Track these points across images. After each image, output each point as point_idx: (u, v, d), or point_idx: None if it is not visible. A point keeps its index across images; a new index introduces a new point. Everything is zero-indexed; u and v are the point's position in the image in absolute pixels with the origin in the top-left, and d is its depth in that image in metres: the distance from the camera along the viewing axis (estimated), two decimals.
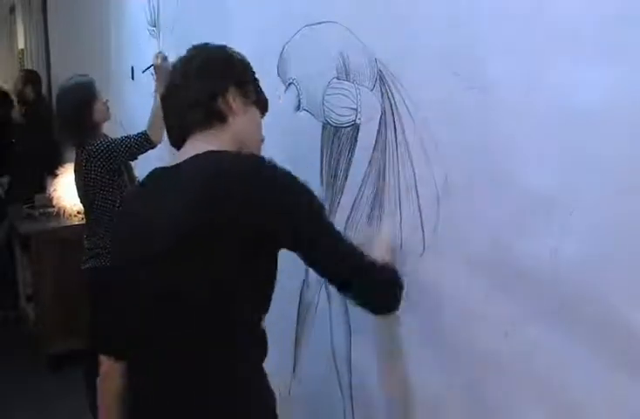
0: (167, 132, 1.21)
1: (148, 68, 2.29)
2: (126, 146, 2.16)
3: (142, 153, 2.22)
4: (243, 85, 1.19)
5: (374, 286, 1.13)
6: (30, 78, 4.29)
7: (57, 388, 2.89)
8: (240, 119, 1.17)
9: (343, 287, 1.13)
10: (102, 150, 2.13)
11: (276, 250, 1.09)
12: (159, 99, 2.20)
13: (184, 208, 1.03)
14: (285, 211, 1.04)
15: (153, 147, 2.22)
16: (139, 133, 2.20)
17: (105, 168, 2.15)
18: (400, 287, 1.17)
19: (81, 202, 2.33)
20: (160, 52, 2.24)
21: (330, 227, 1.10)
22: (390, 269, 1.17)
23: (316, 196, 1.10)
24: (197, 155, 1.09)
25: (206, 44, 1.24)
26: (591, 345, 0.88)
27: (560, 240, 0.90)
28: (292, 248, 1.08)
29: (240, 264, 1.03)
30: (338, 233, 1.11)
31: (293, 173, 1.07)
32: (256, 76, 1.25)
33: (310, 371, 1.62)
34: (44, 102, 4.44)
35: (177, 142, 1.18)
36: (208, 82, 1.16)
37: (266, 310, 1.16)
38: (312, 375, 1.61)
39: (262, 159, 1.08)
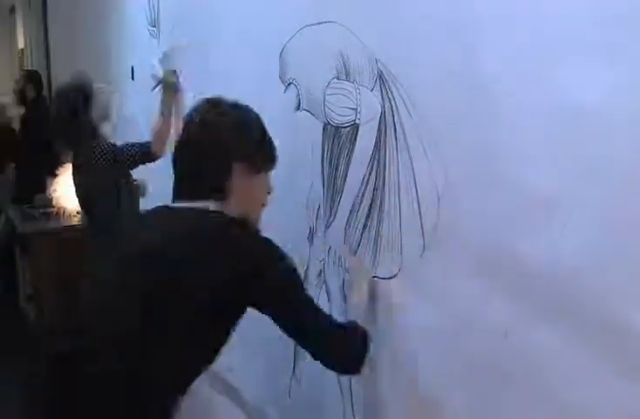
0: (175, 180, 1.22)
1: (158, 85, 2.28)
2: (127, 156, 2.16)
3: (142, 163, 2.22)
4: (254, 157, 1.21)
5: (340, 358, 1.21)
6: (31, 77, 4.29)
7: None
8: (242, 196, 1.20)
9: (316, 357, 1.20)
10: (108, 152, 2.11)
11: (237, 317, 1.15)
12: (165, 115, 2.23)
13: (163, 260, 1.10)
14: (258, 279, 1.10)
15: (154, 161, 2.21)
16: (144, 144, 2.19)
17: (108, 170, 2.13)
18: (363, 355, 1.22)
19: (82, 200, 2.30)
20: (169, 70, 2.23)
21: (303, 301, 1.17)
22: (359, 336, 1.22)
23: (293, 269, 1.17)
24: (194, 210, 1.17)
25: (220, 101, 1.23)
26: (591, 345, 0.88)
27: (560, 240, 0.90)
28: (261, 311, 1.16)
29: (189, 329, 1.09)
30: (310, 306, 1.17)
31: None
32: (267, 134, 1.26)
33: (310, 372, 1.62)
34: (45, 102, 4.44)
35: (178, 197, 1.22)
36: (216, 158, 1.17)
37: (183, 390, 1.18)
38: (312, 376, 1.61)
39: (254, 235, 1.16)
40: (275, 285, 1.13)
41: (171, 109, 2.24)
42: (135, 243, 1.18)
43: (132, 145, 2.18)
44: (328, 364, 1.20)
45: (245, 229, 1.16)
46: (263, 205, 1.29)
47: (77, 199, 2.34)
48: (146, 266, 1.12)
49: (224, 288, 1.08)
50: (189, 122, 1.22)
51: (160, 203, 1.25)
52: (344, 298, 1.44)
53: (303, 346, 1.21)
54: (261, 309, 1.15)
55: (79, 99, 2.17)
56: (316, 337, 1.17)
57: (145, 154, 2.17)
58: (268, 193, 1.29)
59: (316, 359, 1.19)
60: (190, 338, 1.10)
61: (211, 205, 1.17)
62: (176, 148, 1.23)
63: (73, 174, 2.26)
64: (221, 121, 1.19)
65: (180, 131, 1.24)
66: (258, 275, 1.10)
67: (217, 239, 1.12)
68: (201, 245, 1.10)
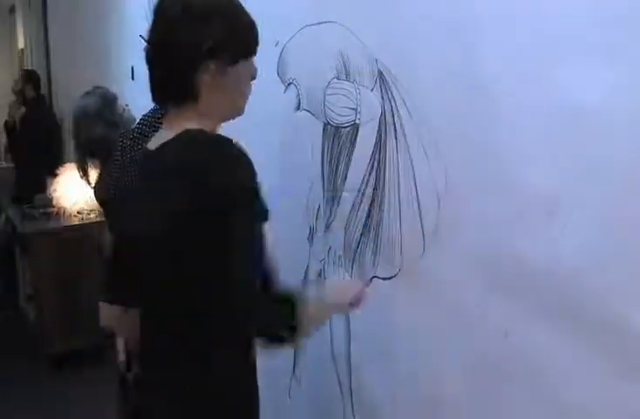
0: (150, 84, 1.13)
1: None
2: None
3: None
4: (224, 49, 1.08)
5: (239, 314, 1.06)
6: (30, 77, 4.29)
7: (57, 388, 2.89)
8: (217, 94, 1.10)
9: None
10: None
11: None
12: None
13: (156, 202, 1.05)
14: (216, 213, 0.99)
15: None
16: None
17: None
18: (260, 322, 1.09)
19: None
20: None
21: (244, 246, 1.02)
22: (276, 307, 1.08)
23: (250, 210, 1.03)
24: (174, 139, 1.06)
25: None
26: (591, 345, 0.88)
27: (560, 240, 0.90)
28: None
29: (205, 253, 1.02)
30: (247, 255, 1.03)
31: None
32: (241, 17, 1.15)
33: (310, 372, 1.62)
34: (44, 101, 4.44)
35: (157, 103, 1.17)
36: (176, 61, 1.06)
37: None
38: (312, 376, 1.61)
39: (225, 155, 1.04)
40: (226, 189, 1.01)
41: None
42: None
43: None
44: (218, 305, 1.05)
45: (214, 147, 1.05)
46: (246, 96, 1.17)
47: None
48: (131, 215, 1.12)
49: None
50: (154, 19, 1.11)
51: None
52: None
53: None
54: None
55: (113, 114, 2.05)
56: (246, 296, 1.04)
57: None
58: (252, 78, 1.17)
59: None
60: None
61: (189, 118, 1.09)
62: (146, 50, 1.12)
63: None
64: (180, 15, 1.07)
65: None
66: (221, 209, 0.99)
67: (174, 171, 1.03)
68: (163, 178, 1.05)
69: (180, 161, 1.05)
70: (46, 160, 3.77)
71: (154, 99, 1.14)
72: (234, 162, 1.03)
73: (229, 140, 1.06)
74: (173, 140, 1.07)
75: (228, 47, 1.09)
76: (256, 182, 1.04)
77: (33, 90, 4.18)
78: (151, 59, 1.11)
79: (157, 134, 1.15)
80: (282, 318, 1.07)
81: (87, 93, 2.10)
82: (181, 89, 1.09)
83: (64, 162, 3.22)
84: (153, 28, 1.11)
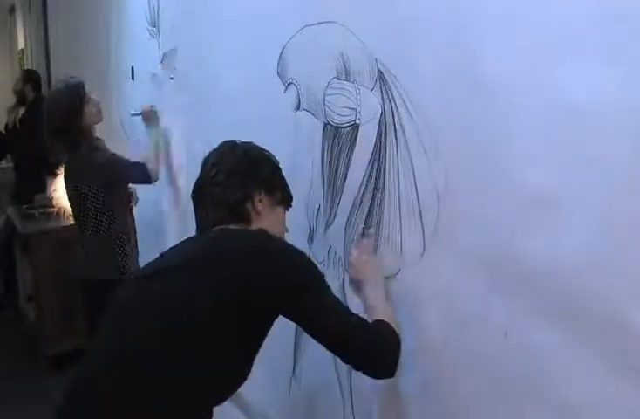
0: (196, 217, 1.28)
1: (138, 114, 2.40)
2: (128, 174, 2.17)
3: (138, 183, 2.25)
4: (272, 189, 1.27)
5: (370, 360, 1.12)
6: (30, 77, 4.28)
7: (57, 388, 2.89)
8: (264, 221, 1.25)
9: (345, 360, 1.14)
10: (104, 168, 2.11)
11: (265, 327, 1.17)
12: (153, 145, 2.29)
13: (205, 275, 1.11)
14: (289, 291, 1.10)
15: (149, 183, 2.23)
16: (142, 165, 2.19)
17: (100, 183, 2.12)
18: (396, 352, 1.14)
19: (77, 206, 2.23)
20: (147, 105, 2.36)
21: (330, 308, 1.13)
22: (388, 333, 1.14)
23: (318, 275, 1.15)
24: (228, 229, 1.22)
25: (235, 142, 1.31)
26: (591, 345, 0.88)
27: (560, 240, 0.90)
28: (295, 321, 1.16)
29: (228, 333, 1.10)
30: (338, 310, 1.13)
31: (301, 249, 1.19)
32: (283, 175, 1.32)
33: (310, 372, 1.62)
34: (44, 101, 4.43)
35: (202, 231, 1.27)
36: (239, 184, 1.23)
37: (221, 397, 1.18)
38: (312, 376, 1.61)
39: (285, 246, 1.18)
40: (289, 281, 1.12)
41: (158, 138, 2.34)
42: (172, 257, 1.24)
43: (132, 164, 2.19)
44: (359, 367, 1.13)
45: (272, 236, 1.20)
46: (284, 233, 1.32)
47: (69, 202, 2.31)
48: (186, 277, 1.13)
49: (253, 295, 1.09)
50: (207, 164, 1.28)
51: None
52: (344, 297, 1.44)
53: (333, 350, 1.14)
54: (286, 315, 1.14)
55: (70, 104, 2.11)
56: (343, 338, 1.11)
57: (142, 175, 2.19)
58: (286, 230, 1.32)
59: (345, 362, 1.14)
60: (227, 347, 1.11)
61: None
62: (197, 189, 1.28)
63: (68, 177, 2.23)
64: (239, 150, 1.27)
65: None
66: (294, 287, 1.11)
67: (247, 248, 1.15)
68: (237, 255, 1.14)
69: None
70: (46, 160, 3.77)
71: (200, 223, 1.28)
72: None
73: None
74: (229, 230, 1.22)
75: (275, 186, 1.28)
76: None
77: (33, 90, 4.18)
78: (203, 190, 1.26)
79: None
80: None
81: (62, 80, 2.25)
82: (236, 213, 1.23)
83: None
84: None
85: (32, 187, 3.59)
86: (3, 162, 4.63)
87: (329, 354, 1.49)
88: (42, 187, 3.46)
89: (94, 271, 2.16)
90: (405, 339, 1.24)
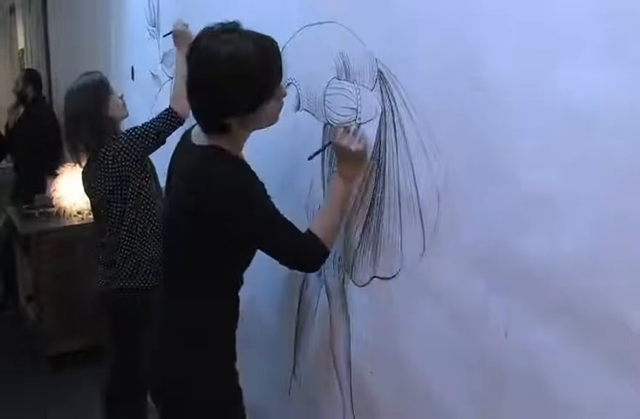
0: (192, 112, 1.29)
1: (169, 34, 2.11)
2: (152, 127, 1.96)
3: (170, 132, 2.01)
4: (266, 95, 1.23)
5: (304, 262, 1.38)
6: (31, 76, 4.28)
7: (57, 388, 2.89)
8: (244, 129, 1.30)
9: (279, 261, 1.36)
10: (127, 140, 1.93)
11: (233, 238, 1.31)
12: (181, 68, 2.02)
13: (182, 189, 1.35)
14: (228, 218, 1.26)
15: (180, 123, 2.01)
16: (162, 112, 2.01)
17: (136, 161, 1.94)
18: (322, 258, 1.35)
19: (104, 207, 2.03)
20: (180, 20, 2.07)
21: (271, 226, 1.30)
22: (321, 245, 1.32)
23: (258, 203, 1.27)
24: (198, 149, 1.31)
25: (236, 28, 1.27)
26: (591, 344, 0.88)
27: (560, 240, 0.90)
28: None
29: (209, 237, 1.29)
30: (277, 226, 1.30)
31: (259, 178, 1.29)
32: (280, 66, 1.26)
33: (310, 371, 1.62)
34: (44, 101, 4.43)
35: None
36: (230, 96, 1.20)
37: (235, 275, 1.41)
38: (312, 376, 1.61)
39: (232, 173, 1.26)
40: (247, 221, 1.27)
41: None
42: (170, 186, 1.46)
43: (150, 121, 2.00)
44: (293, 267, 1.41)
45: (221, 165, 1.27)
46: (276, 115, 1.32)
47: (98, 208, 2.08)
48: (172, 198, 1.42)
49: (204, 217, 1.26)
50: (196, 51, 1.23)
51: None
52: (345, 297, 1.44)
53: (275, 258, 1.34)
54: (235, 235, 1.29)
55: (95, 96, 1.97)
56: (288, 249, 1.33)
57: (166, 119, 2.00)
58: (283, 96, 1.30)
59: (283, 263, 1.36)
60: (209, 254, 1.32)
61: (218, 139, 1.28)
62: (191, 70, 1.24)
63: (90, 179, 2.03)
64: (239, 47, 1.20)
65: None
66: (227, 217, 1.25)
67: (199, 176, 1.28)
68: (191, 181, 1.30)
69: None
70: (46, 160, 3.77)
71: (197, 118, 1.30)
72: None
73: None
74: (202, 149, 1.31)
75: (242, 104, 1.22)
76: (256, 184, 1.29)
77: (34, 90, 4.17)
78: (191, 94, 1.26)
79: (197, 132, 1.34)
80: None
81: (82, 75, 2.07)
82: (213, 128, 1.27)
83: (64, 162, 3.22)
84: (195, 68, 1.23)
85: (32, 187, 3.59)
86: (3, 162, 4.63)
87: (328, 353, 1.50)
88: (42, 187, 3.46)
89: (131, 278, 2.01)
90: (405, 338, 1.25)
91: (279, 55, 1.25)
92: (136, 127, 1.98)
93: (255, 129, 1.32)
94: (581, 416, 0.90)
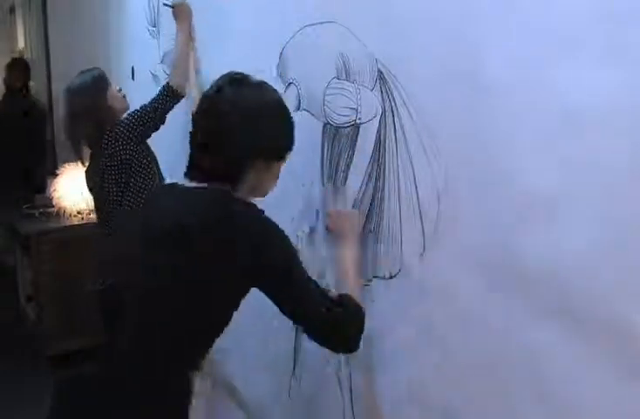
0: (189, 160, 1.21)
1: (168, 5, 2.13)
2: (149, 106, 1.95)
3: (169, 109, 2.00)
4: (274, 151, 1.20)
5: (338, 340, 1.18)
6: (15, 65, 4.22)
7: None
8: (253, 185, 1.20)
9: (310, 335, 1.18)
10: (127, 122, 1.92)
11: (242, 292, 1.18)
12: (180, 41, 2.07)
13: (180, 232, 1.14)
14: (259, 265, 1.12)
15: (178, 100, 2.01)
16: (159, 89, 2.01)
17: (137, 144, 1.92)
18: (360, 328, 1.18)
19: (103, 199, 2.01)
20: None
21: (299, 283, 1.15)
22: (354, 315, 1.17)
23: (290, 251, 1.16)
24: (203, 189, 1.18)
25: (241, 84, 1.18)
26: (591, 344, 0.88)
27: (560, 240, 0.91)
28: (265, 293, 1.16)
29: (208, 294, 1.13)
30: (307, 286, 1.15)
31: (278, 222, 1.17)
32: (292, 121, 1.24)
33: (310, 372, 1.62)
34: (30, 92, 4.39)
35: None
36: (237, 153, 1.14)
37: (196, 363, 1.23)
38: (312, 376, 1.61)
39: (257, 214, 1.15)
40: (272, 264, 1.13)
41: (187, 36, 2.08)
42: (155, 221, 1.22)
43: (149, 104, 1.99)
44: (326, 345, 1.19)
45: (247, 207, 1.15)
46: (270, 189, 1.28)
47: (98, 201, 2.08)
48: (165, 245, 1.16)
49: (227, 266, 1.11)
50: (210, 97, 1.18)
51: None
52: None
53: (302, 328, 1.19)
54: (261, 287, 1.15)
55: (94, 90, 1.96)
56: (315, 319, 1.15)
57: (164, 97, 1.99)
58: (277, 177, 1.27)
59: (314, 340, 1.18)
60: (200, 310, 1.15)
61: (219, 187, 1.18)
62: (196, 122, 1.20)
63: (92, 172, 2.03)
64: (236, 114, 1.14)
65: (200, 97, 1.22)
66: (256, 254, 1.11)
67: (221, 218, 1.13)
68: (208, 225, 1.13)
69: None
70: (32, 154, 3.74)
71: (189, 175, 1.20)
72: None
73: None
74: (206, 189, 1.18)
75: (278, 147, 1.20)
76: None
77: (19, 78, 4.10)
78: (201, 145, 1.17)
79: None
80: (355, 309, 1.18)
81: (81, 72, 2.06)
82: (227, 178, 1.16)
83: (66, 162, 3.21)
84: (207, 116, 1.17)
85: (16, 184, 3.56)
86: None
87: (329, 354, 1.50)
88: (27, 184, 3.44)
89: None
90: (405, 339, 1.25)
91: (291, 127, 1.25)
92: (134, 110, 1.97)
93: (253, 195, 1.23)
94: (581, 416, 0.90)
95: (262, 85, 1.21)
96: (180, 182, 1.25)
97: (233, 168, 1.16)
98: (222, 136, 1.14)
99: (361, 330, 1.18)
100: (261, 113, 1.16)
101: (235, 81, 1.18)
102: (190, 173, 1.21)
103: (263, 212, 1.17)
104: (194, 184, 1.20)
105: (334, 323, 1.14)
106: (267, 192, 1.27)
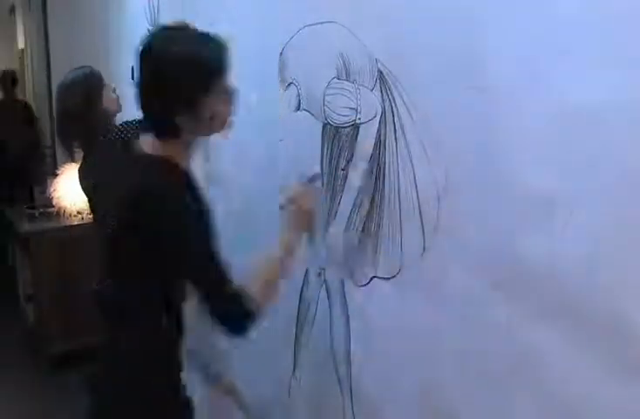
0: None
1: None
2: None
3: None
4: (202, 87, 1.19)
5: (232, 316, 1.22)
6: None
7: (57, 389, 2.89)
8: (195, 128, 1.23)
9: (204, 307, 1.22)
10: (124, 131, 1.90)
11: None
12: None
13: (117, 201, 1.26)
14: (156, 233, 1.19)
15: None
16: None
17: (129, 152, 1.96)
18: (252, 319, 1.22)
19: (97, 202, 2.01)
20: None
21: (199, 254, 1.20)
22: (250, 301, 1.21)
23: (190, 224, 1.20)
24: (140, 158, 1.26)
25: (166, 31, 1.27)
26: (591, 345, 0.88)
27: (560, 240, 0.90)
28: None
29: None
30: (208, 260, 1.20)
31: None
32: (221, 60, 1.23)
33: (310, 372, 1.62)
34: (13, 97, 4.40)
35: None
36: (166, 88, 1.18)
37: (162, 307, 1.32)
38: (312, 376, 1.61)
39: (164, 187, 1.20)
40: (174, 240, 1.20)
41: None
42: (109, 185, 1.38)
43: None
44: (220, 320, 1.22)
45: (162, 178, 1.22)
46: (224, 115, 1.27)
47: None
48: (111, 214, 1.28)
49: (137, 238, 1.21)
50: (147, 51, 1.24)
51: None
52: (345, 297, 1.44)
53: (201, 297, 1.22)
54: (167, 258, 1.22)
55: (88, 89, 1.96)
56: (212, 288, 1.20)
57: None
58: (230, 95, 1.27)
59: (211, 313, 1.21)
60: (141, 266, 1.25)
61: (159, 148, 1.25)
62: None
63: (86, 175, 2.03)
64: (177, 50, 1.19)
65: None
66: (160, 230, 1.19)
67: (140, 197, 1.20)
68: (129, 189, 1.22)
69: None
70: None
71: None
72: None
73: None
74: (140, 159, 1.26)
75: (181, 100, 1.20)
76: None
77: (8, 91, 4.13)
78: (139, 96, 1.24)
79: (141, 140, 1.29)
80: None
81: (73, 70, 2.04)
82: (162, 132, 1.24)
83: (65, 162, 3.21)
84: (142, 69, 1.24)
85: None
86: None
87: (328, 353, 1.50)
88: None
89: None
90: (406, 339, 1.25)
91: (218, 51, 1.23)
92: (133, 121, 1.95)
93: (204, 134, 1.29)
94: (580, 416, 0.90)
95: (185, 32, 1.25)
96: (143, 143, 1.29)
97: (161, 122, 1.23)
98: (145, 90, 1.22)
99: (253, 319, 1.22)
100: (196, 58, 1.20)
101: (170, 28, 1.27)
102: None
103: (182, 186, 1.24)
104: (150, 148, 1.26)
105: (232, 294, 1.20)
106: (218, 127, 1.28)
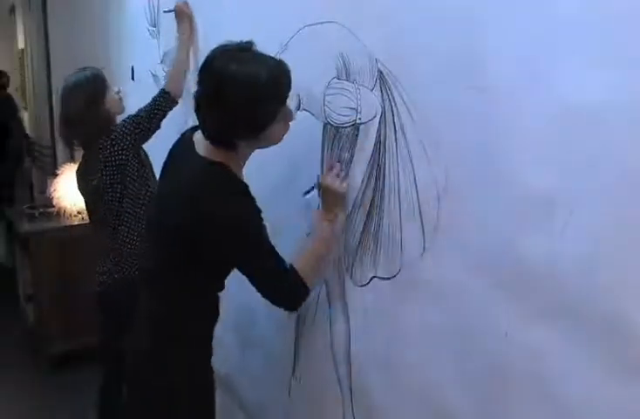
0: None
1: (170, 11, 2.15)
2: (145, 111, 1.97)
3: (164, 114, 2.02)
4: (269, 120, 1.25)
5: (286, 298, 1.37)
6: None
7: (57, 388, 2.89)
8: (253, 146, 1.33)
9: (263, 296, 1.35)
10: (123, 128, 1.92)
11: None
12: (180, 44, 2.11)
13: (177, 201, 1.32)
14: (219, 245, 1.29)
15: (174, 105, 2.04)
16: (156, 94, 2.02)
17: (132, 148, 1.92)
18: (304, 297, 1.37)
19: (97, 202, 2.01)
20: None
21: (257, 256, 1.31)
22: (301, 282, 1.33)
23: (253, 234, 1.28)
24: (203, 161, 1.30)
25: (250, 48, 1.28)
26: (591, 345, 0.88)
27: (560, 240, 0.90)
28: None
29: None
30: (264, 259, 1.31)
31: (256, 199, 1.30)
32: (287, 89, 1.28)
33: (310, 372, 1.62)
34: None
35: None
36: (236, 120, 1.22)
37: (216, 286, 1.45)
38: (312, 376, 1.61)
39: (228, 198, 1.27)
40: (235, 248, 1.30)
41: (187, 37, 2.11)
42: (164, 185, 1.45)
43: (145, 110, 2.00)
44: (274, 302, 1.36)
45: (224, 189, 1.28)
46: (280, 137, 1.34)
47: (91, 205, 2.10)
48: (163, 207, 1.40)
49: (195, 236, 1.28)
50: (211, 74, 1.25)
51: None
52: (345, 297, 1.44)
53: (257, 288, 1.33)
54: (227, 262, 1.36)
55: (92, 91, 1.94)
56: (270, 281, 1.33)
57: (160, 102, 2.01)
58: (290, 120, 1.34)
59: (264, 296, 1.34)
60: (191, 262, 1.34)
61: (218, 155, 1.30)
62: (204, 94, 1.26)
63: (85, 175, 2.01)
64: (246, 74, 1.21)
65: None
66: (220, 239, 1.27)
67: (199, 197, 1.27)
68: (191, 200, 1.28)
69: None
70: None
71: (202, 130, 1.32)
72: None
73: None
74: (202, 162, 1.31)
75: (247, 128, 1.25)
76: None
77: None
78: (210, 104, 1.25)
79: (200, 138, 1.33)
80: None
81: (77, 71, 2.03)
82: (218, 144, 1.29)
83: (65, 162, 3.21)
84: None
85: None
86: None
87: (329, 354, 1.50)
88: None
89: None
90: (406, 339, 1.24)
91: (289, 79, 1.27)
92: (131, 116, 1.97)
93: (260, 148, 1.35)
94: (581, 416, 0.90)
95: (256, 58, 1.27)
96: (197, 141, 1.35)
97: (223, 138, 1.28)
98: (210, 109, 1.25)
99: (304, 294, 1.36)
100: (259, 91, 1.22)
101: (239, 50, 1.27)
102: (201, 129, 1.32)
103: (244, 191, 1.30)
104: (202, 149, 1.31)
105: (288, 282, 1.33)
106: (271, 145, 1.35)
